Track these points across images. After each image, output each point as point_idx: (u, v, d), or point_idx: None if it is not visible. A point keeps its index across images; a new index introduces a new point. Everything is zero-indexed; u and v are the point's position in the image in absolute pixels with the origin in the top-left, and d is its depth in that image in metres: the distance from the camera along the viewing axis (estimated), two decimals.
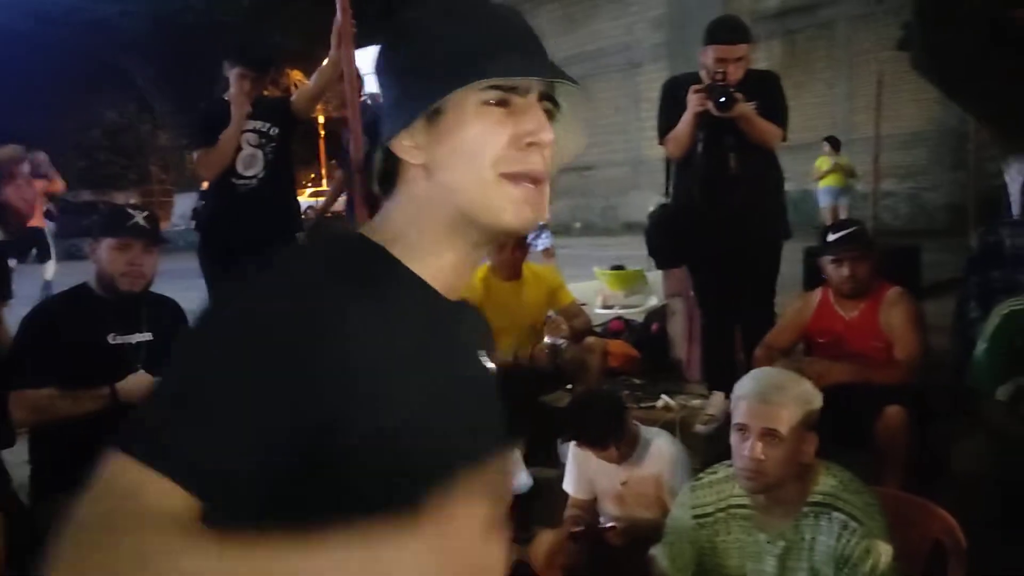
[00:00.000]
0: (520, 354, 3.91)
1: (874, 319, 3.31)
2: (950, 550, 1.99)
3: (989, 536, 2.30)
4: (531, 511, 2.61)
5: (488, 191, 0.91)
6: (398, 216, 0.95)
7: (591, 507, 3.02)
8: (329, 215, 5.77)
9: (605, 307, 7.25)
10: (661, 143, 3.89)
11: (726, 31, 3.66)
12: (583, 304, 4.67)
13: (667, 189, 4.02)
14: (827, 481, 1.95)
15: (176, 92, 14.89)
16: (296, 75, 17.35)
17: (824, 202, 12.44)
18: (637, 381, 4.61)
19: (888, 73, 9.45)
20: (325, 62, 4.02)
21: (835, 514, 1.89)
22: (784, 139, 3.74)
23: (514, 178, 0.91)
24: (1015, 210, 4.68)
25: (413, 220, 0.94)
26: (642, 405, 4.18)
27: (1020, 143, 5.43)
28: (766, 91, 3.69)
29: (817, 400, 1.99)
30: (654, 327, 5.18)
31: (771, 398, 1.94)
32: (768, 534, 1.97)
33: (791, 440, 1.91)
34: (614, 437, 2.83)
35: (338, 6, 3.36)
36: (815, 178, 12.41)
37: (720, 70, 3.59)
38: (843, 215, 11.02)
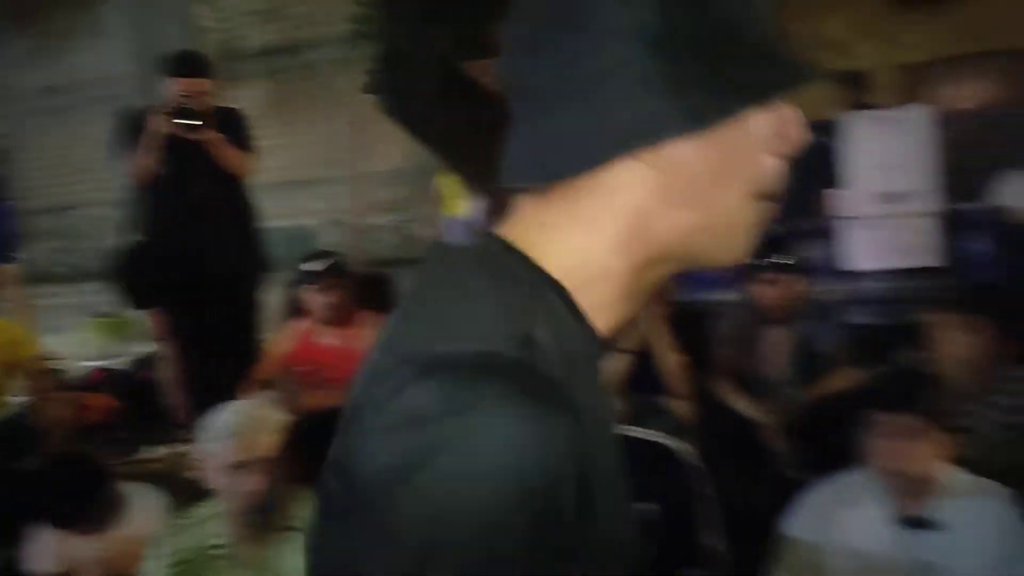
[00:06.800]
0: None
1: (354, 345, 3.48)
2: None
3: None
4: None
5: (741, 214, 0.69)
6: (596, 245, 0.67)
7: None
8: None
9: (94, 358, 6.69)
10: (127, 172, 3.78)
11: (186, 65, 3.66)
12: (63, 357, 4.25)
13: (135, 224, 3.87)
14: (297, 505, 2.02)
15: None
16: None
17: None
18: (122, 434, 4.30)
19: (369, 114, 10.09)
20: None
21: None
22: (254, 170, 3.84)
23: (761, 197, 0.71)
24: None
25: (618, 253, 0.67)
26: (127, 460, 3.90)
27: (477, 185, 6.18)
28: (231, 125, 3.74)
29: (284, 423, 2.07)
30: (142, 374, 4.89)
31: (261, 428, 1.98)
32: (249, 569, 1.97)
33: (279, 467, 1.96)
34: (95, 510, 2.51)
35: None
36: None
37: (184, 102, 3.61)
38: None
